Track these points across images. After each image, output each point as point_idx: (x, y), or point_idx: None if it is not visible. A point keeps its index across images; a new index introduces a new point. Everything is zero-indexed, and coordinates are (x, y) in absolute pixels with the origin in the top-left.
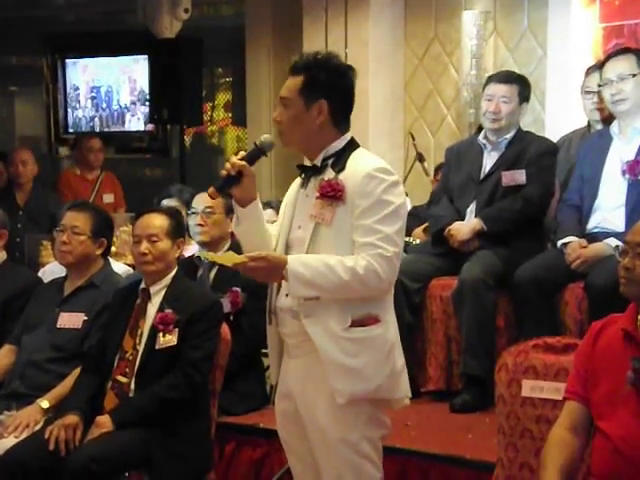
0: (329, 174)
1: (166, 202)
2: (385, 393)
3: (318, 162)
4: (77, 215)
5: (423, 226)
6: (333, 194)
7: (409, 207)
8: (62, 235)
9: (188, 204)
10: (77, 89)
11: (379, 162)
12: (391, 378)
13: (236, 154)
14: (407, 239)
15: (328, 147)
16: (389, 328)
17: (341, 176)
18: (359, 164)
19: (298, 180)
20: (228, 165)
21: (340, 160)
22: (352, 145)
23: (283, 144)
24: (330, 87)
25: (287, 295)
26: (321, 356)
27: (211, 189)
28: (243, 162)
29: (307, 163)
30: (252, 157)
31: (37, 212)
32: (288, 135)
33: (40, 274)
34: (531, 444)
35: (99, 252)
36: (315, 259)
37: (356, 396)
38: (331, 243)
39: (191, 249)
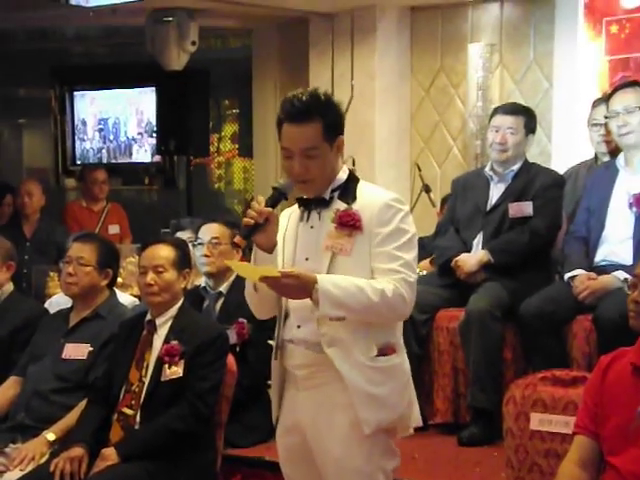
0: (339, 205)
1: (180, 234)
2: (405, 421)
3: (327, 195)
4: (83, 246)
5: (429, 258)
6: (353, 223)
7: None
8: (68, 266)
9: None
10: (85, 121)
11: (392, 193)
12: (409, 407)
13: (251, 200)
14: None
15: (334, 179)
16: (405, 358)
17: (354, 206)
18: (371, 195)
19: (290, 213)
20: (253, 213)
21: (348, 191)
22: (354, 176)
23: (306, 193)
24: (341, 123)
25: (299, 327)
26: (348, 386)
27: (238, 238)
28: (270, 209)
29: (305, 195)
30: (274, 202)
31: (44, 243)
32: (318, 183)
33: (46, 305)
34: (540, 479)
35: (105, 283)
36: (344, 279)
37: (381, 425)
38: (350, 272)
39: (202, 280)
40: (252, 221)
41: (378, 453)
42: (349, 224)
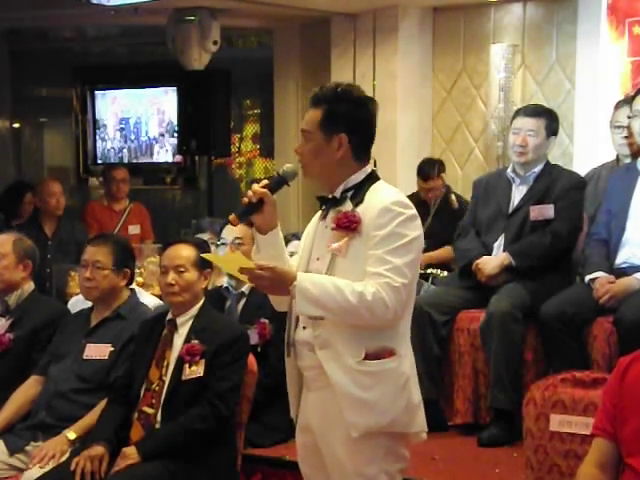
0: (347, 206)
1: (199, 236)
2: (401, 427)
3: (337, 194)
4: (98, 250)
5: None
6: (348, 225)
7: None
8: (85, 271)
9: (219, 236)
10: (106, 120)
11: (397, 195)
12: (407, 411)
13: (258, 182)
14: (434, 271)
15: (348, 179)
16: (404, 361)
17: (359, 209)
18: (377, 197)
19: (320, 212)
20: (250, 192)
21: (359, 193)
22: (372, 178)
23: (305, 175)
24: (349, 120)
25: (304, 328)
26: (335, 389)
27: (232, 216)
28: (264, 189)
29: (327, 194)
30: (274, 185)
31: (65, 242)
32: (309, 167)
33: (72, 303)
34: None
35: (123, 283)
36: (325, 279)
37: (370, 429)
38: (347, 274)
39: (224, 281)
40: (247, 200)
41: (380, 456)
42: (344, 226)
